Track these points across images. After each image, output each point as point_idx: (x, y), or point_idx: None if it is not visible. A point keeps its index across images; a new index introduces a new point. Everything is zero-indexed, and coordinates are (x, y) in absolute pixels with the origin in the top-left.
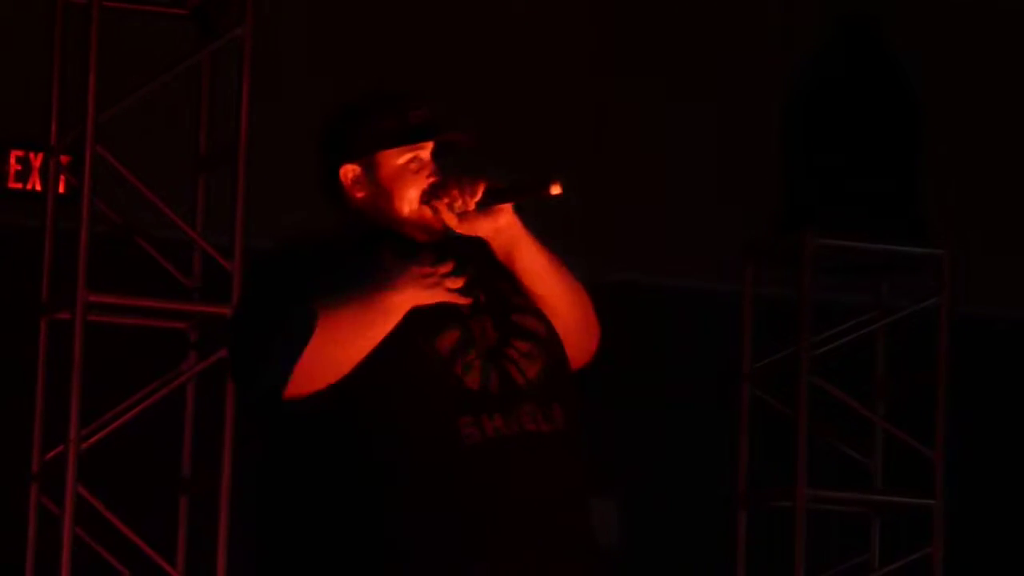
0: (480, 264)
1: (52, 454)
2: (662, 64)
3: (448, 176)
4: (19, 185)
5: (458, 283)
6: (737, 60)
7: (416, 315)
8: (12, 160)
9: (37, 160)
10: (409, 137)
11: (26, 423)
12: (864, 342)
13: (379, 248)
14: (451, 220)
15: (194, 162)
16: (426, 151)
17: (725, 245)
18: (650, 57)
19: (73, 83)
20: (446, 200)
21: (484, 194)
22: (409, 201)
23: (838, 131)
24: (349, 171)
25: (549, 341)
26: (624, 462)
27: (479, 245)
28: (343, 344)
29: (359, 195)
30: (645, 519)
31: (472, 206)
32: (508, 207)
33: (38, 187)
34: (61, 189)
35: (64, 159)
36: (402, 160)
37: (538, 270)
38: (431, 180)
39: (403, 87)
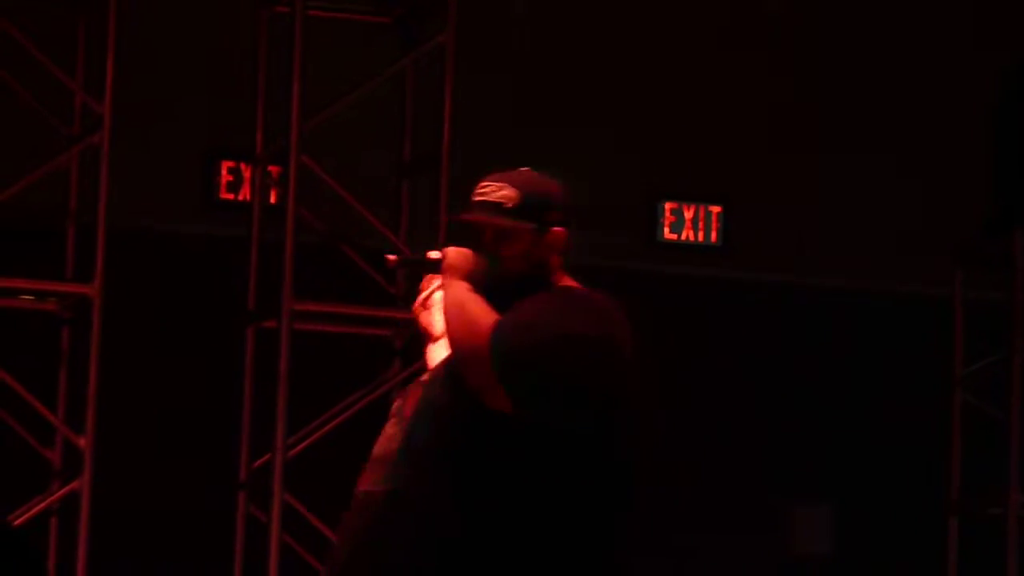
0: None
1: (259, 462)
2: (868, 67)
3: None
4: (231, 196)
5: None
6: (945, 64)
7: None
8: (224, 171)
9: (248, 171)
10: None
11: (234, 431)
12: None
13: None
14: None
15: (398, 169)
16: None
17: (935, 250)
18: (854, 62)
19: (279, 93)
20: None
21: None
22: None
23: None
24: None
25: (444, 409)
26: (838, 470)
27: None
28: None
29: None
30: (859, 526)
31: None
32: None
33: (249, 198)
34: (273, 199)
35: (275, 169)
36: None
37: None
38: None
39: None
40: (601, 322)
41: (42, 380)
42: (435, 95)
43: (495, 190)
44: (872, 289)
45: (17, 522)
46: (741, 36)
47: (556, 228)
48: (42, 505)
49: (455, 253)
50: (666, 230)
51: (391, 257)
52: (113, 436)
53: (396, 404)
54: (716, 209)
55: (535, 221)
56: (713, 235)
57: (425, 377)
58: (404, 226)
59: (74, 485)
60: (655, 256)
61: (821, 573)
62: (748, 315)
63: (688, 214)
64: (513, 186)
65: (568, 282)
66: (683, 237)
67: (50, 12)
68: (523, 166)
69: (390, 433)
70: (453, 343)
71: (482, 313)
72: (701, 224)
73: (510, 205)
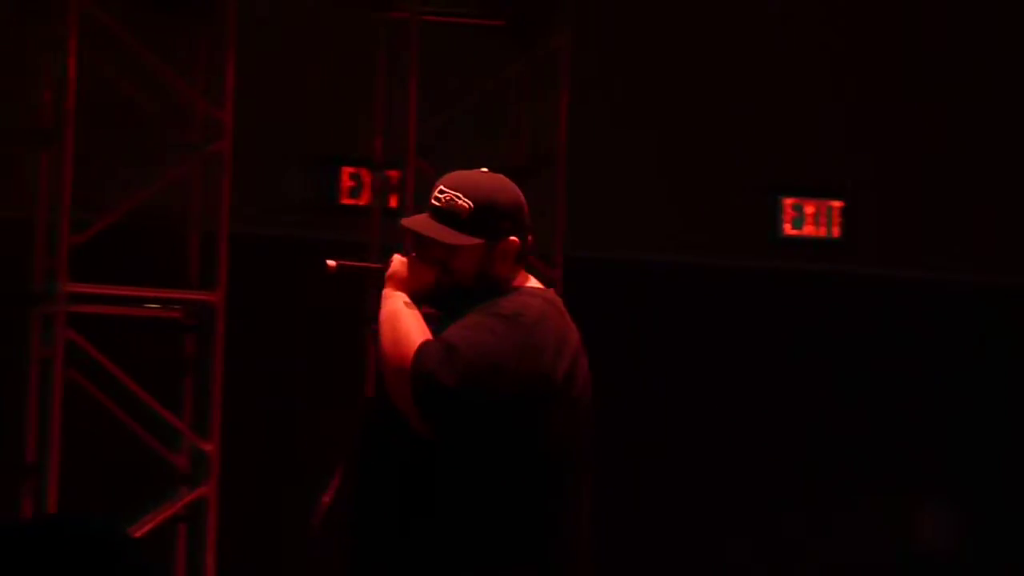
0: None
1: None
2: (989, 63)
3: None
4: (352, 201)
5: None
6: None
7: None
8: (345, 177)
9: (368, 177)
10: None
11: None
12: None
13: None
14: None
15: (513, 172)
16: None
17: None
18: (973, 57)
19: (396, 98)
20: None
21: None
22: None
23: None
24: None
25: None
26: (964, 465)
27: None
28: None
29: None
30: (985, 522)
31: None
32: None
33: (370, 203)
34: (394, 204)
35: (394, 174)
36: None
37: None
38: None
39: (711, 90)
40: (531, 339)
41: (168, 387)
42: (550, 97)
43: (451, 199)
44: (998, 283)
45: (145, 528)
46: (861, 30)
47: (509, 239)
48: (170, 511)
49: (399, 263)
50: (787, 226)
51: (331, 263)
52: (238, 441)
53: None
54: (837, 204)
55: (487, 234)
56: (835, 230)
57: None
58: None
59: (201, 491)
60: (776, 252)
61: (946, 570)
62: (869, 310)
63: (809, 209)
64: (468, 196)
65: (525, 282)
66: (804, 233)
67: (170, 23)
68: (635, 165)
69: None
70: (381, 359)
71: (413, 332)
72: (823, 219)
73: (464, 217)
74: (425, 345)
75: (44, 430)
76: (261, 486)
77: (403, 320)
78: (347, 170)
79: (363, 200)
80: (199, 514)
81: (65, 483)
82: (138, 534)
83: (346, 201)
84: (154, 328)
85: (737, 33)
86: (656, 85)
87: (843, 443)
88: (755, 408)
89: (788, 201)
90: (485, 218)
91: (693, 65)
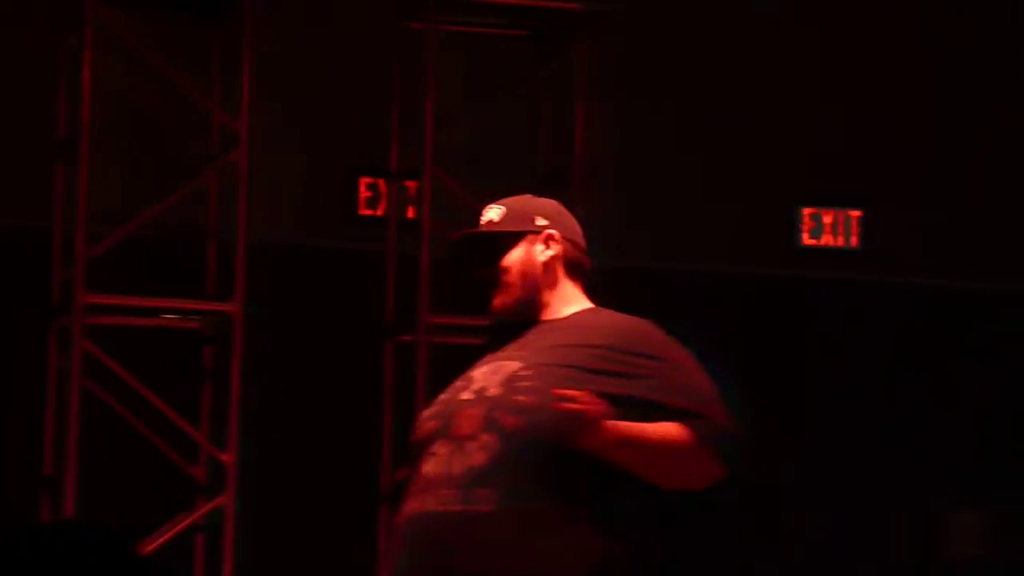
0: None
1: (401, 474)
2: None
3: None
4: (369, 212)
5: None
6: None
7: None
8: (362, 187)
9: (386, 187)
10: None
11: (374, 444)
12: None
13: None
14: None
15: (534, 183)
16: None
17: None
18: (993, 63)
19: (415, 108)
20: None
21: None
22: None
23: None
24: None
25: (520, 437)
26: (992, 473)
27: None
28: None
29: None
30: (1011, 531)
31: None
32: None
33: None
34: (411, 215)
35: (411, 184)
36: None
37: (622, 462)
38: None
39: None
40: None
41: (186, 398)
42: (571, 108)
43: (483, 214)
44: (1021, 291)
45: (163, 539)
46: (877, 39)
47: (549, 232)
48: (187, 521)
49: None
50: (805, 236)
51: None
52: (256, 452)
53: (436, 424)
54: (856, 214)
55: (525, 226)
56: (853, 240)
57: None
58: None
59: (219, 501)
60: (795, 262)
61: None
62: (891, 319)
63: (827, 219)
64: (498, 204)
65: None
66: (823, 242)
67: (185, 32)
68: (660, 176)
69: (443, 453)
70: (665, 473)
71: (661, 430)
72: (840, 229)
73: (498, 219)
74: (694, 424)
75: (61, 442)
76: (278, 497)
77: (647, 431)
78: (364, 180)
79: (380, 211)
80: (217, 525)
81: (83, 495)
82: (156, 544)
83: (364, 212)
84: (172, 339)
85: (756, 44)
86: (678, 94)
87: (865, 451)
88: (785, 414)
89: (806, 211)
90: (520, 215)
91: (715, 74)
